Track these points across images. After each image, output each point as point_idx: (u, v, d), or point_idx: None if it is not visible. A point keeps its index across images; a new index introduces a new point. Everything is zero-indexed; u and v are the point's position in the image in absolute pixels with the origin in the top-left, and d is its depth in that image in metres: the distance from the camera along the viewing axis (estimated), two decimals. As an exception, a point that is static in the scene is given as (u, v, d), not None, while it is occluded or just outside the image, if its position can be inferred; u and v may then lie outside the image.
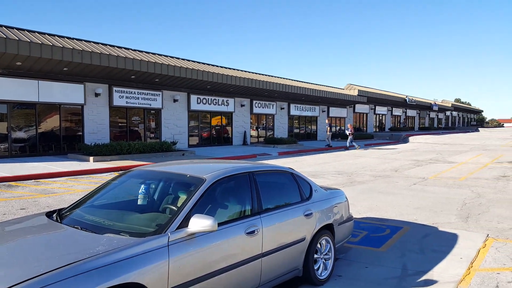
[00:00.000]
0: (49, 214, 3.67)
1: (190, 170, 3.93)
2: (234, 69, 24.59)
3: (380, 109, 43.70)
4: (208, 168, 3.89)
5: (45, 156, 15.73)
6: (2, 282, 2.30)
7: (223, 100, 23.84)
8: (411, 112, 51.97)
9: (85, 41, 16.14)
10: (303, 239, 4.08)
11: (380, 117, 44.81)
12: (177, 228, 3.04)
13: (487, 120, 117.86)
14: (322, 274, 4.34)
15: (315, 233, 4.25)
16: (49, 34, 15.12)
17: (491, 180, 11.58)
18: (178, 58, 20.39)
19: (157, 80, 18.46)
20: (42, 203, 7.89)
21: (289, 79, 29.72)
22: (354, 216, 7.05)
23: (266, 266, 3.65)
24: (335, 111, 35.49)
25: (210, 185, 3.45)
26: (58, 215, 3.61)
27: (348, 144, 24.44)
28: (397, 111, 48.11)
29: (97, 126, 17.56)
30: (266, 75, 27.49)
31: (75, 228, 3.19)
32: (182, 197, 3.43)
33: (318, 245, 4.36)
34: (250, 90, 23.77)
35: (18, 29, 14.24)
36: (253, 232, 3.52)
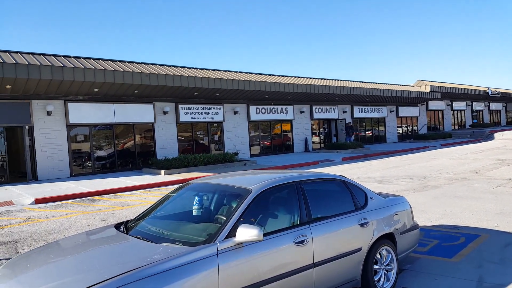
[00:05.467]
0: (117, 226, 3.99)
1: (238, 181, 4.01)
2: (290, 76, 24.63)
3: (458, 105, 40.19)
4: (256, 178, 3.93)
5: (123, 171, 17.06)
6: (74, 286, 2.60)
7: (281, 108, 23.91)
8: (495, 106, 46.86)
9: (152, 64, 17.34)
10: (359, 249, 3.92)
11: (459, 113, 41.39)
12: (225, 238, 3.11)
13: None
14: (384, 286, 4.12)
15: (373, 243, 4.06)
16: (120, 61, 16.50)
17: None
18: (236, 72, 20.97)
19: (217, 94, 19.15)
20: (120, 215, 8.53)
21: (350, 81, 28.93)
22: (424, 224, 6.63)
23: (320, 276, 3.56)
24: (405, 110, 33.47)
25: (256, 195, 3.49)
26: (125, 227, 3.91)
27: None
28: (478, 106, 43.81)
29: (166, 142, 18.65)
30: (325, 79, 27.06)
31: (137, 238, 3.45)
32: (231, 208, 3.52)
33: (378, 255, 4.15)
34: (309, 96, 23.53)
35: (88, 58, 15.76)
36: (302, 242, 3.47)
